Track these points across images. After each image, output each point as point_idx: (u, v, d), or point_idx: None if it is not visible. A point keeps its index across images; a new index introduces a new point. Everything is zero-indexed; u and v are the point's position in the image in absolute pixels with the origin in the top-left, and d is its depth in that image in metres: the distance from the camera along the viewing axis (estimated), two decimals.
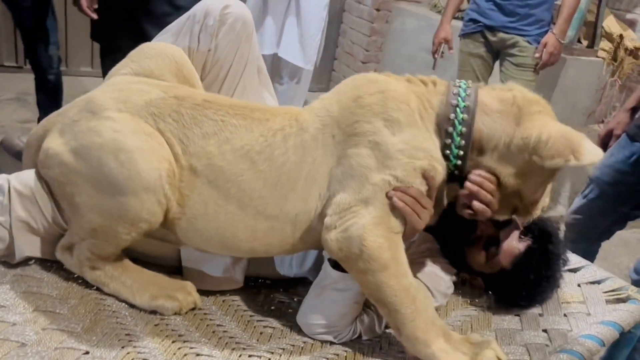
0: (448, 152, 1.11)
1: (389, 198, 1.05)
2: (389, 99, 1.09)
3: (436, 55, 2.99)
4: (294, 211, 1.11)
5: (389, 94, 1.10)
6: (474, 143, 1.10)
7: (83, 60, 4.10)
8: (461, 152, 1.10)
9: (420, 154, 1.07)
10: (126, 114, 1.11)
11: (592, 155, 1.02)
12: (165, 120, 1.12)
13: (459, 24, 3.04)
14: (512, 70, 2.78)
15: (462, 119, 1.09)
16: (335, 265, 1.15)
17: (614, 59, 3.67)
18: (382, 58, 4.66)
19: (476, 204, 1.12)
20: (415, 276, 1.24)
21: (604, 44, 3.67)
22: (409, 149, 1.06)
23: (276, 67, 3.10)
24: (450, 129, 1.09)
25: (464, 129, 1.09)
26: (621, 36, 3.60)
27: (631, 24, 3.78)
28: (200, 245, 1.19)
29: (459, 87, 1.12)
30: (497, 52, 2.85)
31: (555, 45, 2.65)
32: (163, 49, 1.29)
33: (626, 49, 3.62)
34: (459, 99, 1.10)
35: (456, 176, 1.14)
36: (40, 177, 1.21)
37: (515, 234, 1.32)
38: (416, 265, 1.28)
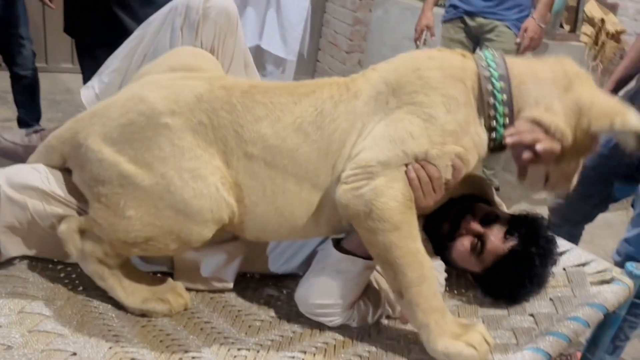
0: (494, 123, 1.11)
1: (406, 166, 1.06)
2: (448, 76, 1.10)
3: (418, 42, 3.01)
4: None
5: (448, 71, 1.10)
6: (519, 111, 1.10)
7: (63, 56, 4.05)
8: (507, 121, 1.10)
9: (464, 140, 1.08)
10: (180, 118, 1.08)
11: (637, 121, 1.03)
12: (219, 114, 1.11)
13: (442, 11, 3.06)
14: None
15: (500, 87, 1.09)
16: (337, 246, 1.16)
17: (596, 43, 3.69)
18: (366, 47, 4.65)
19: (538, 146, 1.08)
20: None
21: (586, 29, 3.69)
22: (458, 132, 1.07)
23: (259, 59, 3.08)
24: (492, 100, 1.09)
25: (504, 96, 1.09)
26: (602, 20, 3.62)
27: (612, 8, 3.80)
28: (256, 233, 1.17)
29: (486, 58, 1.13)
30: (477, 38, 2.86)
31: (535, 30, 2.66)
32: (192, 49, 1.31)
33: (607, 33, 3.64)
34: (490, 69, 1.10)
35: (504, 146, 1.14)
36: (68, 181, 1.19)
37: (501, 233, 1.32)
38: None
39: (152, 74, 1.23)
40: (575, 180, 1.19)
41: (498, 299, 1.36)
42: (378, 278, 1.27)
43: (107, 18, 2.07)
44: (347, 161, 1.09)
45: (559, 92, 1.10)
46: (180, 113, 1.09)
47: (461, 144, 1.07)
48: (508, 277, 1.31)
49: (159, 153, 1.07)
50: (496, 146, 1.14)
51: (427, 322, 1.07)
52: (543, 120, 1.07)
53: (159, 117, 1.08)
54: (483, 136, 1.12)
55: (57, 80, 3.99)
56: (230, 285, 1.30)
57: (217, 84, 1.15)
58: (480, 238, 1.32)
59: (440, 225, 1.36)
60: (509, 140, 1.08)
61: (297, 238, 1.26)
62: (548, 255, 1.34)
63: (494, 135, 1.12)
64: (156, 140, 1.07)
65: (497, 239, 1.31)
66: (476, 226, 1.33)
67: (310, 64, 4.86)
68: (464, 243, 1.33)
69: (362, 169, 1.05)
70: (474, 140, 1.10)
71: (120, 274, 1.17)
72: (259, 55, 3.06)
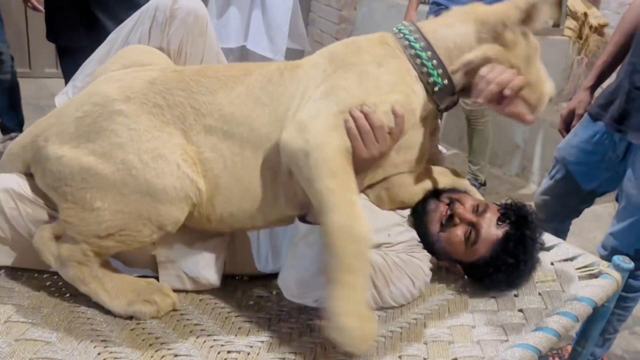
0: (424, 69, 1.18)
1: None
2: (374, 42, 1.20)
3: None
4: None
5: (374, 40, 1.21)
6: (451, 58, 1.19)
7: (47, 61, 4.01)
8: (435, 62, 1.18)
9: (400, 87, 1.13)
10: (134, 103, 1.11)
11: None
12: (174, 93, 1.14)
13: (427, 8, 3.07)
14: None
15: (415, 38, 1.19)
16: (303, 220, 1.17)
17: (580, 37, 3.72)
18: None
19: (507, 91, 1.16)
20: (397, 264, 1.25)
21: (570, 23, 3.72)
22: (392, 80, 1.14)
23: (245, 60, 3.07)
24: (412, 51, 1.18)
25: (422, 44, 1.18)
26: (585, 14, 3.65)
27: (595, 2, 3.83)
28: (224, 210, 1.17)
29: (397, 27, 1.24)
30: None
31: None
32: (147, 48, 1.32)
33: (591, 27, 3.67)
34: (402, 31, 1.21)
35: (453, 91, 1.23)
36: (36, 188, 1.18)
37: (493, 219, 1.33)
38: (399, 255, 1.28)
39: (108, 72, 1.25)
40: (546, 80, 1.27)
41: (492, 288, 1.36)
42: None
43: (88, 22, 2.06)
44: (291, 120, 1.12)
45: (468, 27, 1.21)
46: (135, 98, 1.12)
47: (398, 90, 1.12)
48: (503, 262, 1.31)
49: (116, 139, 1.08)
50: (441, 90, 1.20)
51: (334, 266, 1.01)
52: (490, 55, 1.18)
53: (112, 104, 1.11)
54: (419, 85, 1.18)
55: (41, 85, 3.95)
56: (217, 283, 1.29)
57: (169, 69, 1.22)
58: (474, 227, 1.33)
59: (429, 215, 1.36)
60: (481, 101, 1.16)
61: (260, 216, 1.20)
62: (538, 239, 1.36)
63: (431, 80, 1.19)
64: (112, 128, 1.09)
65: (489, 227, 1.32)
66: (469, 215, 1.33)
67: None
68: (458, 233, 1.33)
69: (301, 120, 1.08)
70: (412, 87, 1.17)
71: (102, 277, 1.16)
72: (245, 57, 3.05)
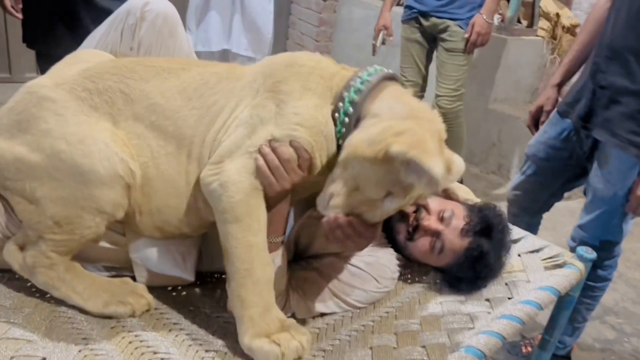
0: (338, 122, 1.10)
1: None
2: (315, 74, 1.13)
3: (376, 43, 3.05)
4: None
5: (318, 71, 1.13)
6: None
7: (27, 67, 3.99)
8: (344, 129, 1.09)
9: (309, 122, 1.08)
10: (63, 89, 1.13)
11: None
12: (104, 77, 1.15)
13: (401, 10, 3.12)
14: (444, 55, 2.87)
15: (352, 99, 1.09)
16: None
17: (553, 37, 3.81)
18: (332, 48, 4.70)
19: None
20: (361, 269, 1.29)
21: (543, 23, 3.81)
22: (304, 114, 1.09)
23: (226, 62, 3.11)
24: (340, 104, 1.10)
25: (350, 109, 1.09)
26: (558, 15, 3.74)
27: (567, 2, 3.93)
28: (154, 202, 1.18)
29: (360, 77, 1.11)
30: (434, 37, 2.92)
31: (482, 26, 2.72)
32: (94, 53, 1.32)
33: (563, 27, 3.76)
34: (352, 91, 1.10)
35: None
36: None
37: (457, 230, 1.36)
38: (362, 259, 1.32)
39: None
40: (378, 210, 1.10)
41: (459, 291, 1.39)
42: (326, 273, 1.29)
43: (74, 26, 2.05)
44: (213, 143, 1.13)
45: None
46: (65, 84, 1.13)
47: (304, 124, 1.08)
48: (466, 272, 1.36)
49: (45, 126, 1.09)
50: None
51: (242, 315, 1.09)
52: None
53: (42, 90, 1.12)
54: (331, 127, 1.11)
55: None
56: (192, 278, 1.31)
57: (108, 60, 1.22)
58: (439, 236, 1.36)
59: (397, 226, 1.40)
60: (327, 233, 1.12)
61: (185, 218, 1.21)
62: (502, 247, 1.40)
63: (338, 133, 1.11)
64: (41, 115, 1.10)
65: (454, 237, 1.36)
66: (434, 224, 1.36)
67: None
68: (424, 244, 1.38)
69: (219, 157, 1.10)
70: (322, 128, 1.09)
71: (71, 280, 1.18)
72: (226, 60, 3.09)
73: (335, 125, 1.11)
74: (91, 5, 2.03)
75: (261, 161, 1.07)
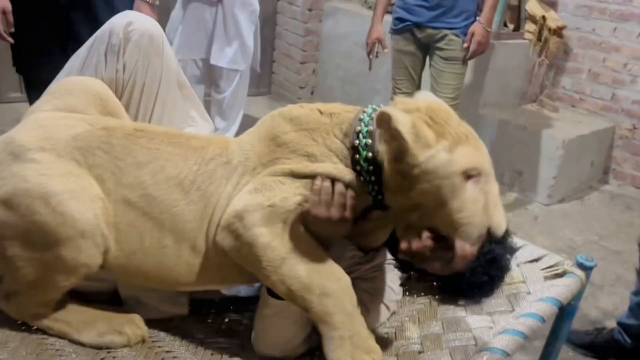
0: (363, 180, 1.05)
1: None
2: (302, 136, 1.09)
3: (371, 56, 3.02)
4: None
5: (302, 133, 1.09)
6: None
7: (11, 86, 3.94)
8: (373, 178, 1.04)
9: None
10: (51, 154, 1.06)
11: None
12: (95, 153, 1.09)
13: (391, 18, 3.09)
14: (441, 64, 2.84)
15: (366, 144, 1.03)
16: (271, 291, 1.13)
17: (540, 39, 3.81)
18: (320, 57, 4.68)
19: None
20: (367, 292, 1.25)
21: (529, 26, 3.81)
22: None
23: (211, 76, 3.08)
24: (357, 156, 1.04)
25: (369, 154, 1.03)
26: (544, 17, 3.74)
27: (552, 5, 3.93)
28: (140, 282, 1.16)
29: (365, 112, 1.07)
30: (427, 46, 2.90)
31: (482, 34, 2.71)
32: (85, 83, 1.26)
33: (550, 29, 3.76)
34: (363, 124, 1.05)
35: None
36: None
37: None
38: (367, 281, 1.27)
39: (38, 112, 1.20)
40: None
41: (472, 298, 1.36)
42: None
43: (65, 52, 1.99)
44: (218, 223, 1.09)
45: None
46: (52, 149, 1.07)
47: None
48: (478, 278, 1.33)
49: (23, 184, 1.03)
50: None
51: (332, 336, 1.06)
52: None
53: (26, 153, 1.06)
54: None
55: (6, 110, 3.88)
56: (186, 310, 1.29)
57: (99, 124, 1.13)
58: (448, 245, 1.32)
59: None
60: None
61: (189, 290, 1.23)
62: (512, 250, 1.40)
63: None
64: (22, 175, 1.04)
65: (465, 244, 1.29)
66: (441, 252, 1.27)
67: (265, 77, 4.86)
68: (435, 266, 1.30)
69: (241, 212, 1.05)
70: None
71: (64, 317, 1.16)
72: (210, 72, 3.06)
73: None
74: (93, 24, 1.98)
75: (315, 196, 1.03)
